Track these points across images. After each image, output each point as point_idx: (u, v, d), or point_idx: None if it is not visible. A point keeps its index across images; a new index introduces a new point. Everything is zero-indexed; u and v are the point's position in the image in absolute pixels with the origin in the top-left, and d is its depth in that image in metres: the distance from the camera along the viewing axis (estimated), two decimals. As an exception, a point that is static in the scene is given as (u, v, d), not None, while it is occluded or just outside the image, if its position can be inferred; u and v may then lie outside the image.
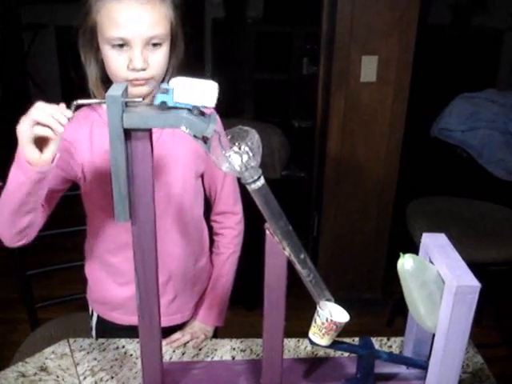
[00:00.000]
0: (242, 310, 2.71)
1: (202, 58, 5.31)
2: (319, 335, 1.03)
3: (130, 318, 1.39)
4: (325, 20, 2.65)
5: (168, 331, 1.41)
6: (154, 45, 1.20)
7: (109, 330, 1.47)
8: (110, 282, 1.44)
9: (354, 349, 1.12)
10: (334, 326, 1.01)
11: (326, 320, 1.01)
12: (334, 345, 1.07)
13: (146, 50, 1.19)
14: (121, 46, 1.18)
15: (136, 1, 1.16)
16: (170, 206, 1.37)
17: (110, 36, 1.18)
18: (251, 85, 4.99)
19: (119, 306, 1.45)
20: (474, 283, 0.92)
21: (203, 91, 0.85)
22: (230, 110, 4.62)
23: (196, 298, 1.52)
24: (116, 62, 1.20)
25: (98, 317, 1.51)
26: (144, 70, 1.20)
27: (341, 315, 1.03)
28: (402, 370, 1.18)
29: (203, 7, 5.22)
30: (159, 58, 1.22)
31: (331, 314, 1.02)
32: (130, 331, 1.32)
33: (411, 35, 2.48)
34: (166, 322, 1.38)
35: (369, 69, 2.51)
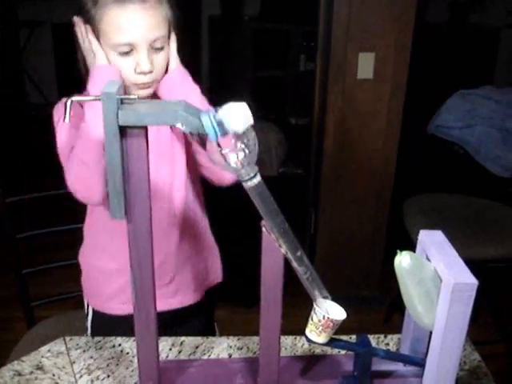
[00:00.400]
0: (240, 307, 2.71)
1: (198, 56, 5.30)
2: (316, 333, 1.03)
3: (126, 307, 1.39)
4: (322, 17, 2.65)
5: (167, 317, 1.41)
6: (157, 48, 1.24)
7: (105, 324, 1.48)
8: (106, 268, 1.44)
9: (352, 346, 1.12)
10: (331, 324, 1.01)
11: (323, 317, 1.00)
12: (331, 342, 1.07)
13: (150, 52, 1.23)
14: (127, 51, 1.21)
15: (138, 5, 1.19)
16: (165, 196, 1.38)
17: (117, 42, 1.20)
18: (248, 82, 4.98)
19: (115, 293, 1.45)
20: (472, 280, 0.91)
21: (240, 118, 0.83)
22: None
23: (196, 281, 1.52)
24: (123, 67, 1.23)
25: (94, 312, 1.51)
26: (151, 72, 1.24)
27: (338, 312, 1.02)
28: (399, 367, 1.18)
29: (199, 4, 5.21)
30: (162, 61, 1.26)
31: (328, 311, 1.01)
32: (127, 321, 1.31)
33: (408, 32, 2.48)
34: (164, 305, 1.40)
35: (366, 66, 2.51)
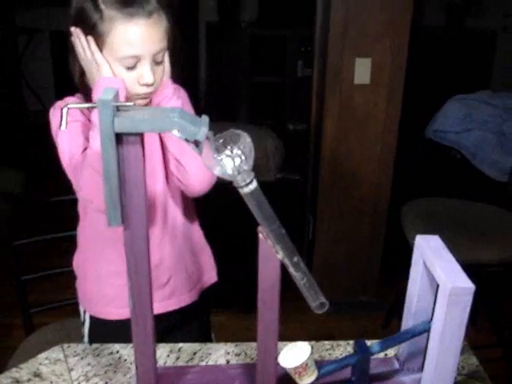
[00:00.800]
0: (238, 313, 2.71)
1: (196, 62, 5.31)
2: (299, 379, 1.02)
3: (124, 311, 1.39)
4: (318, 22, 2.66)
5: (164, 319, 1.44)
6: (158, 61, 1.28)
7: (104, 330, 1.48)
8: (101, 272, 1.45)
9: (345, 362, 1.10)
10: (301, 368, 1.00)
11: (288, 369, 1.00)
12: (323, 370, 1.06)
13: (152, 65, 1.26)
14: (132, 64, 1.24)
15: (144, 20, 1.22)
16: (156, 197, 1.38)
17: (123, 55, 1.23)
18: (246, 88, 4.99)
19: (112, 298, 1.45)
20: (468, 285, 0.92)
21: None
22: (224, 114, 4.63)
23: (191, 281, 1.53)
24: (127, 79, 1.26)
25: (91, 318, 1.51)
26: (153, 84, 1.27)
27: (298, 355, 1.00)
28: (397, 370, 1.18)
29: (197, 10, 5.23)
30: (161, 73, 1.30)
31: (288, 360, 1.00)
32: (125, 326, 1.31)
33: (404, 37, 2.49)
34: (161, 307, 1.44)
35: (362, 71, 2.51)
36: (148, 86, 1.27)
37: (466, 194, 2.69)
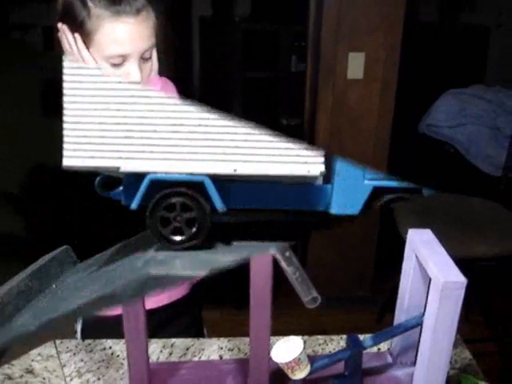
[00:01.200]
0: (231, 309, 2.71)
1: (189, 56, 5.29)
2: (292, 374, 1.02)
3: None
4: (311, 17, 2.65)
5: (155, 313, 1.44)
6: (146, 58, 1.27)
7: (97, 326, 1.48)
8: None
9: (338, 357, 1.10)
10: (293, 363, 1.00)
11: (280, 363, 1.00)
12: (316, 365, 1.05)
13: (140, 62, 1.26)
14: (119, 63, 1.23)
15: (133, 18, 1.21)
16: None
17: (111, 54, 1.22)
18: (239, 83, 4.98)
19: None
20: (461, 279, 0.92)
21: None
22: (217, 109, 4.62)
23: None
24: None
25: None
26: (140, 82, 1.25)
27: (291, 350, 1.00)
28: (390, 365, 1.18)
29: (190, 5, 5.21)
30: (148, 70, 1.30)
31: (280, 355, 1.00)
32: (119, 322, 1.31)
33: (398, 32, 2.49)
34: (153, 303, 1.45)
35: (356, 66, 2.51)
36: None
37: (460, 188, 2.70)
